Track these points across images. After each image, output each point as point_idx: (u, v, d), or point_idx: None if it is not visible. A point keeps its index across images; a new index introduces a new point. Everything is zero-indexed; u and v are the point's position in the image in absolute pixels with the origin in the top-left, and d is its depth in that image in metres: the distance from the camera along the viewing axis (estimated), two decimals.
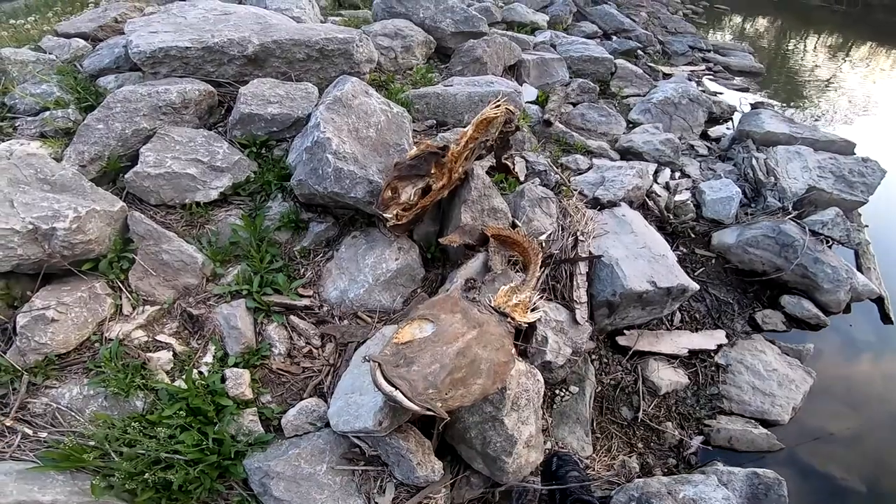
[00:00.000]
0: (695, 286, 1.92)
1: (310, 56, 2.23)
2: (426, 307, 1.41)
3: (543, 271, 1.83)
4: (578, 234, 1.99)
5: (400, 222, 1.68)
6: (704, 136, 3.34)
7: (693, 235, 2.44)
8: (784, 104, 4.42)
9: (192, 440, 1.33)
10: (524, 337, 1.69)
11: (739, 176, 2.75)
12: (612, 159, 2.67)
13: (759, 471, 1.64)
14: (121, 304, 1.61)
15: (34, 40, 2.64)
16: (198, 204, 1.84)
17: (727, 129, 3.46)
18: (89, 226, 1.53)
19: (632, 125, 3.15)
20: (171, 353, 1.55)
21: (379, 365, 1.18)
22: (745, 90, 4.40)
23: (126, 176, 1.78)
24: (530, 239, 1.79)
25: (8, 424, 1.36)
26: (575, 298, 1.82)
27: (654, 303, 1.91)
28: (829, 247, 2.32)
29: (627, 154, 2.76)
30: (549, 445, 1.69)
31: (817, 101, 4.68)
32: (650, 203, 2.44)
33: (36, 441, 1.37)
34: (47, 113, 2.03)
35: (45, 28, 2.88)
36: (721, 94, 4.16)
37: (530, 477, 1.56)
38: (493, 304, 1.49)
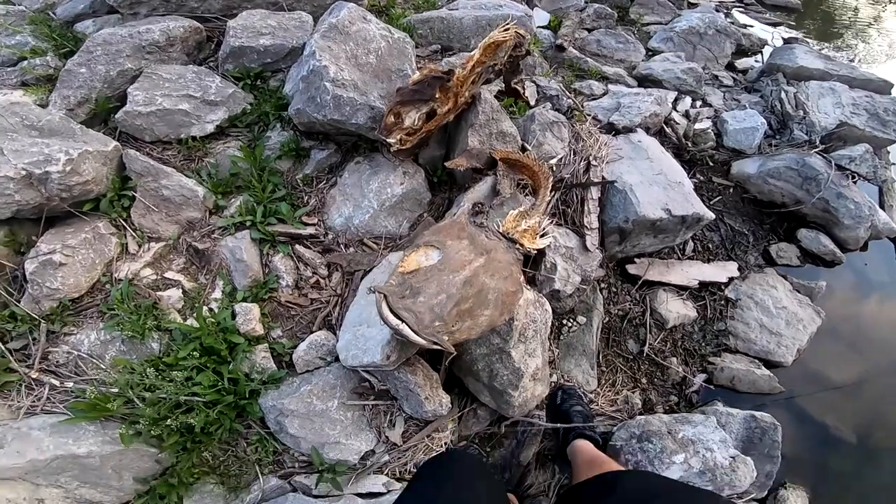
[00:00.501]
0: (710, 215, 1.85)
1: None
2: (432, 233, 1.37)
3: (554, 195, 1.77)
4: (591, 158, 1.90)
5: (404, 147, 1.63)
6: (730, 67, 3.11)
7: (712, 164, 2.33)
8: (819, 42, 4.08)
9: (208, 381, 1.36)
10: (532, 263, 1.66)
11: (766, 108, 2.59)
12: (629, 86, 2.51)
13: (757, 414, 1.65)
14: (126, 243, 1.60)
15: None
16: (194, 138, 1.79)
17: (756, 61, 3.21)
18: (84, 167, 1.49)
19: (651, 53, 2.93)
20: (181, 290, 1.56)
21: (385, 297, 1.15)
22: (779, 25, 4.06)
23: (116, 116, 1.73)
24: (540, 162, 1.71)
25: (34, 376, 1.39)
26: (586, 224, 1.77)
27: (668, 231, 1.86)
28: (854, 182, 2.22)
29: (646, 82, 2.59)
30: (554, 378, 1.71)
31: (855, 41, 4.30)
32: (668, 130, 2.31)
33: (63, 392, 1.40)
34: (25, 62, 1.95)
35: None
36: (751, 27, 3.83)
37: (535, 411, 1.59)
38: (501, 230, 1.44)
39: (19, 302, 1.44)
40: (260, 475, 1.42)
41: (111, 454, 1.33)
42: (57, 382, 1.41)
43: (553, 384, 1.69)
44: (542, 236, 1.51)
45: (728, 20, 3.48)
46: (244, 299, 1.55)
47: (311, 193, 1.81)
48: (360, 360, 1.34)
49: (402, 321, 1.13)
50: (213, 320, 1.47)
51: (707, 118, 2.40)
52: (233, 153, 1.77)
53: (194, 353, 1.41)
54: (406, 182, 1.75)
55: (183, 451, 1.37)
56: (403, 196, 1.74)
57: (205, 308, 1.52)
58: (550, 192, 1.66)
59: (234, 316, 1.50)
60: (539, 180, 1.64)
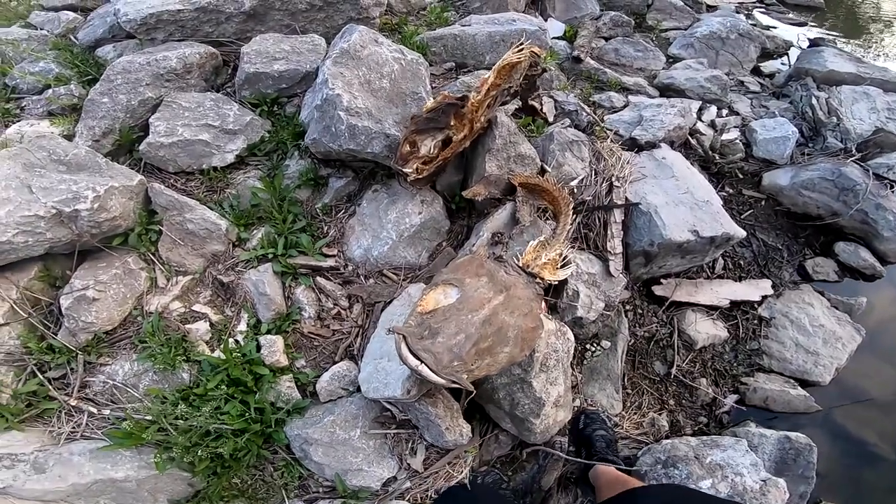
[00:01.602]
0: (741, 233, 1.78)
1: (313, 5, 2.08)
2: (450, 270, 1.36)
3: (575, 220, 1.73)
4: (613, 179, 1.84)
5: (420, 176, 1.61)
6: (756, 71, 2.97)
7: (741, 176, 2.23)
8: (845, 39, 3.91)
9: (236, 411, 1.40)
10: (554, 291, 1.63)
11: (796, 114, 2.47)
12: (650, 96, 2.42)
13: (792, 435, 1.59)
14: (155, 277, 1.65)
15: (23, 17, 2.55)
16: (215, 168, 1.82)
17: (782, 63, 3.08)
18: (111, 203, 1.53)
19: (672, 60, 2.83)
20: (208, 322, 1.60)
21: (404, 338, 1.16)
22: (803, 24, 3.91)
23: (140, 147, 1.77)
24: (560, 187, 1.67)
25: (73, 404, 1.45)
26: (609, 249, 1.72)
27: (696, 251, 1.80)
28: (893, 191, 2.10)
29: (668, 91, 2.50)
30: (577, 403, 1.69)
31: (880, 38, 4.12)
32: (693, 142, 2.22)
33: (101, 419, 1.46)
34: (50, 91, 1.99)
35: (31, 3, 2.73)
36: (775, 28, 3.69)
37: (557, 437, 1.58)
38: (520, 264, 1.42)
39: (56, 334, 1.51)
40: (286, 499, 1.47)
41: (147, 478, 1.40)
42: (95, 410, 1.47)
43: (576, 409, 1.67)
44: (563, 266, 1.48)
45: (750, 22, 3.35)
46: (268, 331, 1.58)
47: (331, 223, 1.81)
48: (382, 394, 1.37)
49: (422, 362, 1.13)
50: (238, 353, 1.51)
51: (734, 128, 2.30)
52: (253, 184, 1.79)
53: (222, 384, 1.45)
54: (424, 211, 1.73)
55: (213, 475, 1.42)
56: (422, 225, 1.73)
57: (231, 340, 1.56)
58: (572, 216, 1.62)
59: (259, 348, 1.53)
60: (559, 206, 1.61)
